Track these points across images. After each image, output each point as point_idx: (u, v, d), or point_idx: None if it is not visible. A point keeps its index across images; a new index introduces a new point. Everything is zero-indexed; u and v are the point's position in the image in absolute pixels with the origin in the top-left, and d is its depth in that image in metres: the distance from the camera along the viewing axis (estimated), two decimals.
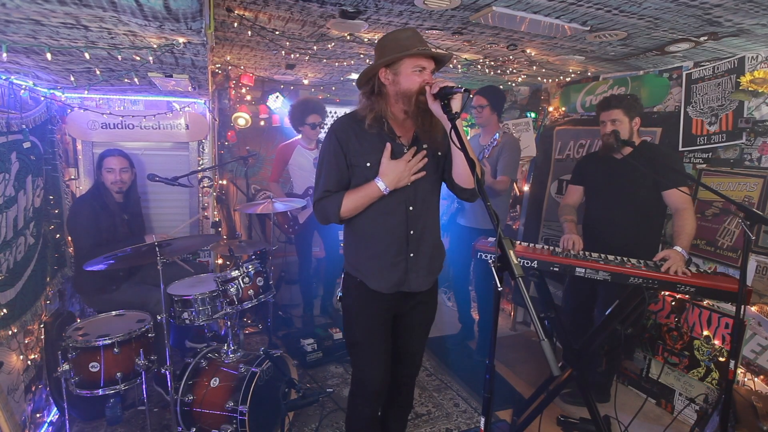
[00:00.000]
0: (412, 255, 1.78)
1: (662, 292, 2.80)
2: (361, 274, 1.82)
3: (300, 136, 3.73)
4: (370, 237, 1.79)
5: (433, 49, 1.71)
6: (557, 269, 2.23)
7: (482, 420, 1.34)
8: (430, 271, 1.86)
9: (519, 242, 2.58)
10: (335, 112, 4.66)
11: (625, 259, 2.27)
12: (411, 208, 1.76)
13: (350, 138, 1.73)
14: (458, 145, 1.48)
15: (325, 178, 1.75)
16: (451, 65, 3.16)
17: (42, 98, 2.79)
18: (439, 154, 1.80)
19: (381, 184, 1.67)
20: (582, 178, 2.81)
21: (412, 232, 1.77)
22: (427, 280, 1.84)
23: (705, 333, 2.67)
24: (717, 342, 2.61)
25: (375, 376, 1.84)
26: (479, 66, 3.17)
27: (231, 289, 2.51)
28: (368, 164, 1.71)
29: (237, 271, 2.54)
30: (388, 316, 1.86)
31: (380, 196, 1.69)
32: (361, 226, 1.80)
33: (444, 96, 1.55)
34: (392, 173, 1.67)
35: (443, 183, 1.90)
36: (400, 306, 1.85)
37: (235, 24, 2.17)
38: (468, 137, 4.09)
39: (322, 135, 3.67)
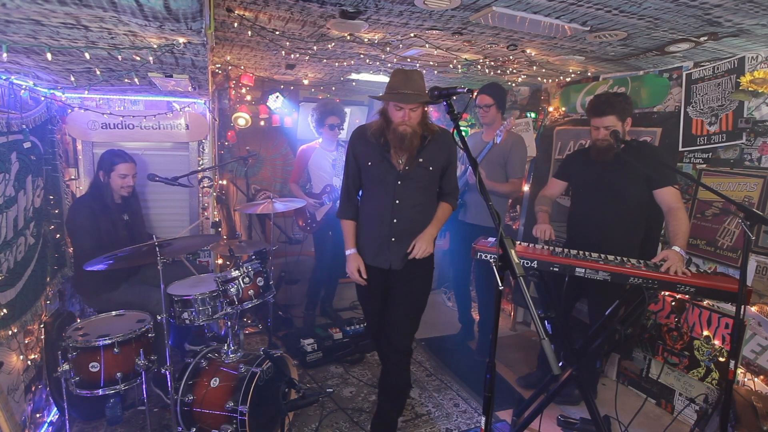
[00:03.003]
0: (393, 240, 2.21)
1: (662, 292, 2.80)
2: (359, 247, 2.32)
3: (321, 139, 3.75)
4: (366, 218, 2.30)
5: (405, 93, 2.01)
6: (557, 269, 2.23)
7: (482, 420, 1.34)
8: (406, 255, 2.23)
9: (519, 242, 2.58)
10: None
11: (625, 259, 2.27)
12: (397, 201, 2.19)
13: (358, 144, 2.26)
14: (461, 145, 1.51)
15: (344, 180, 2.35)
16: (450, 65, 3.16)
17: (42, 98, 2.79)
18: (431, 169, 2.19)
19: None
20: (568, 175, 2.81)
21: (395, 221, 2.20)
22: (400, 261, 2.24)
23: (705, 333, 2.67)
24: (717, 342, 2.61)
25: (371, 324, 2.48)
26: (479, 66, 3.17)
27: (231, 289, 2.51)
28: (369, 163, 2.22)
29: (237, 271, 2.54)
30: (378, 286, 2.32)
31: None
32: (363, 210, 2.32)
33: (447, 96, 1.57)
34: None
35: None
36: (387, 279, 2.28)
37: (235, 24, 2.17)
38: (467, 135, 4.10)
39: (342, 135, 3.82)
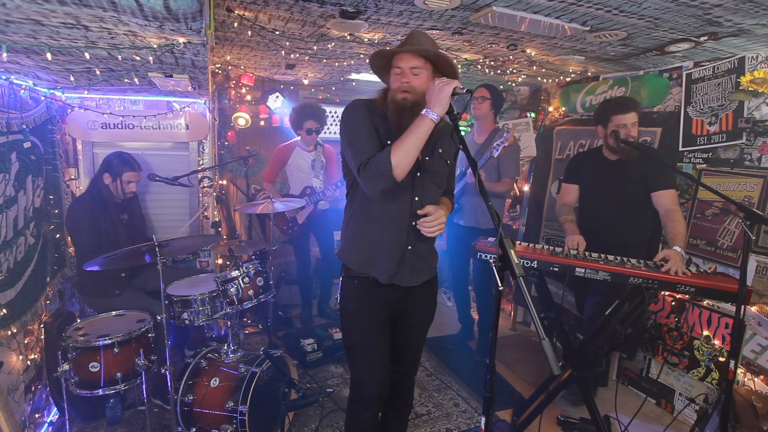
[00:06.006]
0: (409, 248, 1.77)
1: (662, 292, 2.80)
2: (356, 264, 1.81)
3: (299, 137, 3.75)
4: (373, 222, 1.77)
5: (410, 48, 1.65)
6: (557, 269, 2.23)
7: (482, 420, 1.34)
8: (423, 269, 1.85)
9: (519, 242, 2.58)
10: (335, 112, 4.65)
11: (625, 259, 2.27)
12: (416, 198, 1.75)
13: (373, 115, 1.72)
14: (459, 145, 1.51)
15: (363, 141, 1.67)
16: None
17: (42, 98, 2.79)
18: (448, 163, 1.85)
19: (430, 114, 1.56)
20: (577, 177, 2.81)
21: (414, 223, 1.74)
22: (418, 276, 1.83)
23: (705, 333, 2.67)
24: (717, 342, 2.61)
25: (374, 379, 1.83)
26: (479, 66, 3.17)
27: (231, 289, 2.51)
28: (389, 142, 1.66)
29: (237, 271, 2.54)
30: (386, 317, 1.85)
31: (431, 128, 1.58)
32: (366, 212, 1.79)
33: None
34: (436, 98, 1.56)
35: None
36: (396, 305, 1.84)
37: (235, 24, 2.17)
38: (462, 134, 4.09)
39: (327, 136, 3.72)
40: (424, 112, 1.58)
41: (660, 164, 2.50)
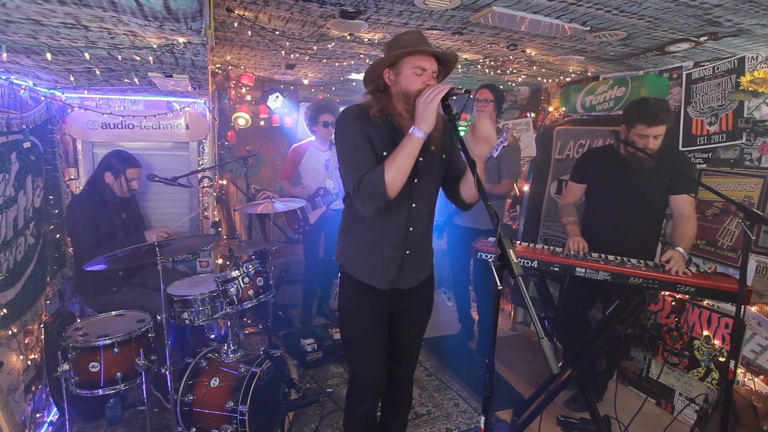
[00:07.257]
0: (408, 252, 1.80)
1: (662, 292, 2.80)
2: (356, 271, 1.83)
3: (313, 137, 3.75)
4: (371, 230, 1.78)
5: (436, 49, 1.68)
6: (557, 269, 2.23)
7: (482, 420, 1.34)
8: (420, 269, 1.89)
9: (519, 242, 2.58)
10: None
11: (625, 259, 2.27)
12: (414, 205, 1.76)
13: (367, 125, 1.69)
14: (458, 145, 1.51)
15: (358, 159, 1.66)
16: None
17: (42, 98, 2.80)
18: (444, 156, 1.82)
19: (417, 132, 1.56)
20: (585, 175, 2.72)
21: (411, 229, 1.78)
22: (417, 277, 1.87)
23: (705, 333, 2.67)
24: (717, 342, 2.61)
25: (371, 372, 1.87)
26: (479, 66, 3.17)
27: (231, 289, 2.51)
28: (384, 153, 1.66)
29: (237, 271, 2.54)
30: (384, 314, 1.88)
31: (420, 145, 1.58)
32: (363, 218, 1.78)
33: (445, 97, 1.56)
34: (421, 115, 1.55)
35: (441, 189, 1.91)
36: (395, 304, 1.87)
37: (235, 24, 2.17)
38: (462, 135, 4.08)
39: None
40: (411, 131, 1.57)
41: (675, 167, 2.41)
